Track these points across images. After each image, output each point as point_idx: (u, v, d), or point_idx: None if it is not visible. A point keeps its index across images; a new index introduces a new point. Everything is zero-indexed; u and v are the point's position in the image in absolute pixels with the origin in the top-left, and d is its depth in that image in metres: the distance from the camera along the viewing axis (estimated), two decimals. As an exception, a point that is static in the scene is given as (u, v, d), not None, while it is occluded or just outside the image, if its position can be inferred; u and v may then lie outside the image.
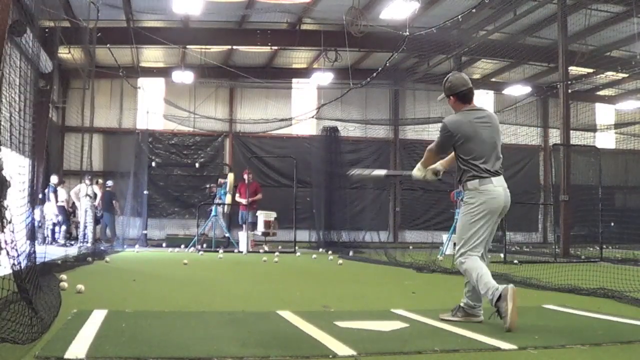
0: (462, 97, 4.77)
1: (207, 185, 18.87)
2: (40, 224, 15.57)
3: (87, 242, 14.34)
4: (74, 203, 16.60)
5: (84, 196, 15.10)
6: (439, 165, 5.07)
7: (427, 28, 13.35)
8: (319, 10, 16.02)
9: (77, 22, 12.85)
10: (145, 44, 17.70)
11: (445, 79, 4.90)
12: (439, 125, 5.00)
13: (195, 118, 20.54)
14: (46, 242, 15.25)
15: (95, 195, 15.83)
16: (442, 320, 4.69)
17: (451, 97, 4.80)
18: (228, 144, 21.49)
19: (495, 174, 4.65)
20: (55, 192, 15.99)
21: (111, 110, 20.63)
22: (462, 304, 4.73)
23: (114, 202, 17.43)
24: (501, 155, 4.75)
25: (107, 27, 15.33)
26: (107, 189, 17.31)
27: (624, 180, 22.55)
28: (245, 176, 16.48)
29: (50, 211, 15.89)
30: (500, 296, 4.25)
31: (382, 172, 4.87)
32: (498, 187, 4.61)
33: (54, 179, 16.32)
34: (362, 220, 20.56)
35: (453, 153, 4.90)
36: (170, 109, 20.30)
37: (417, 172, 5.07)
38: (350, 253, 14.20)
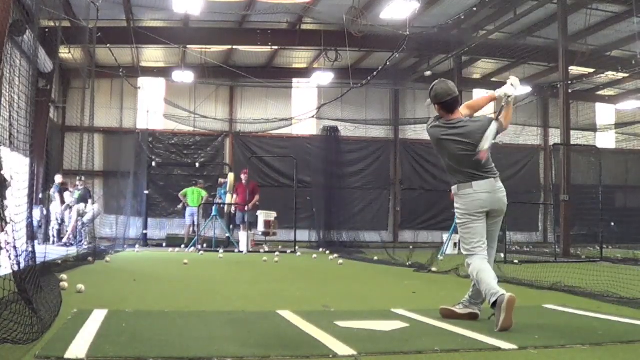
0: (447, 106, 4.89)
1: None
2: (40, 224, 15.52)
3: (81, 242, 14.11)
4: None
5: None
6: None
7: (428, 28, 13.34)
8: (319, 10, 15.99)
9: (77, 22, 12.83)
10: (145, 44, 17.66)
11: (432, 86, 4.98)
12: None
13: (196, 118, 20.53)
14: (48, 242, 15.19)
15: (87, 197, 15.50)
16: (442, 309, 4.87)
17: (436, 105, 4.96)
18: (228, 143, 21.48)
19: (476, 177, 4.66)
20: (60, 191, 15.92)
21: (111, 110, 20.60)
22: (464, 299, 4.86)
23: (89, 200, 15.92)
24: (485, 161, 4.67)
25: (107, 27, 15.30)
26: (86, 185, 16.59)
27: (624, 180, 22.55)
28: (243, 176, 16.47)
29: (55, 211, 15.82)
30: (495, 302, 4.31)
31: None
32: (479, 192, 4.65)
33: (58, 179, 16.22)
34: (362, 220, 20.55)
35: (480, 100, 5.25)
36: (171, 109, 20.29)
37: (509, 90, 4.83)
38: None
